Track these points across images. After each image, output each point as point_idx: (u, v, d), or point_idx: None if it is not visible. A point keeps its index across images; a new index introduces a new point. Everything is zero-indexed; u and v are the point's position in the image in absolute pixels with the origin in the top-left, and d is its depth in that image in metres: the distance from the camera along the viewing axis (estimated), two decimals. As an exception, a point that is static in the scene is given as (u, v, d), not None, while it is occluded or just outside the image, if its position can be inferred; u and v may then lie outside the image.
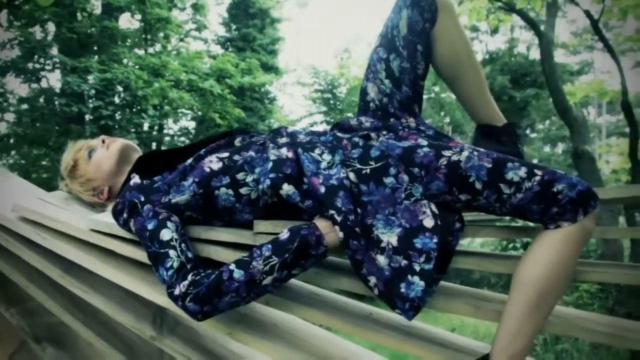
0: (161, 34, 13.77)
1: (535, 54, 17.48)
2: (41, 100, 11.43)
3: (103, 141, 1.64)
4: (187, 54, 13.76)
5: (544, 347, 6.83)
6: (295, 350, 1.37)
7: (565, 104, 8.44)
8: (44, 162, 12.17)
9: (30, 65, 11.14)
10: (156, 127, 14.65)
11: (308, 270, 1.24)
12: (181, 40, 15.09)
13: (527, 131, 23.10)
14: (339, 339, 1.51)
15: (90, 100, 11.39)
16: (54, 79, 13.95)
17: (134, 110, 12.14)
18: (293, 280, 1.43)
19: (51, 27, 11.28)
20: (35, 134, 11.34)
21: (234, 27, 16.81)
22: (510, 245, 11.69)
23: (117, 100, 11.70)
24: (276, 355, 1.36)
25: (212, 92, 12.46)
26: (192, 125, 16.11)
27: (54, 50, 11.32)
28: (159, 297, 1.36)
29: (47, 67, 11.36)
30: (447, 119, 23.35)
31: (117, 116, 11.75)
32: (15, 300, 1.74)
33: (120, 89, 11.44)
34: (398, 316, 1.16)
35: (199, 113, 13.77)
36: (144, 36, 13.58)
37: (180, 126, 16.28)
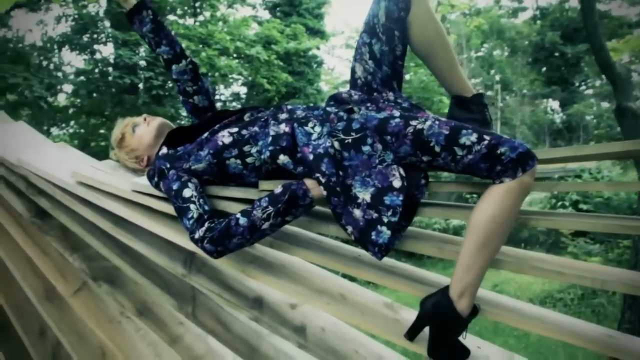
0: (209, 2, 13.92)
1: (587, 8, 16.94)
2: (96, 72, 11.79)
3: (145, 119, 1.90)
4: (233, 21, 13.73)
5: (580, 302, 6.88)
6: (297, 284, 1.63)
7: (609, 60, 8.27)
8: (101, 131, 12.47)
9: (84, 38, 11.44)
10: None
11: (302, 220, 1.51)
12: (230, 6, 15.09)
13: (582, 88, 22.27)
14: (335, 277, 1.74)
15: (142, 72, 11.68)
16: (106, 52, 14.30)
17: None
18: (293, 228, 1.69)
19: (103, 2, 11.51)
20: (91, 105, 11.64)
21: (280, -8, 16.79)
22: (559, 203, 11.67)
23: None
24: (281, 288, 1.63)
25: (259, 58, 12.51)
26: (243, 90, 16.22)
27: (106, 25, 11.62)
28: (188, 243, 1.60)
29: (100, 41, 11.66)
30: (497, 77, 22.79)
31: (168, 85, 12.03)
32: (77, 248, 2.01)
33: (169, 59, 11.68)
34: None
35: (250, 79, 13.88)
36: (192, 4, 13.76)
37: (231, 92, 16.47)
